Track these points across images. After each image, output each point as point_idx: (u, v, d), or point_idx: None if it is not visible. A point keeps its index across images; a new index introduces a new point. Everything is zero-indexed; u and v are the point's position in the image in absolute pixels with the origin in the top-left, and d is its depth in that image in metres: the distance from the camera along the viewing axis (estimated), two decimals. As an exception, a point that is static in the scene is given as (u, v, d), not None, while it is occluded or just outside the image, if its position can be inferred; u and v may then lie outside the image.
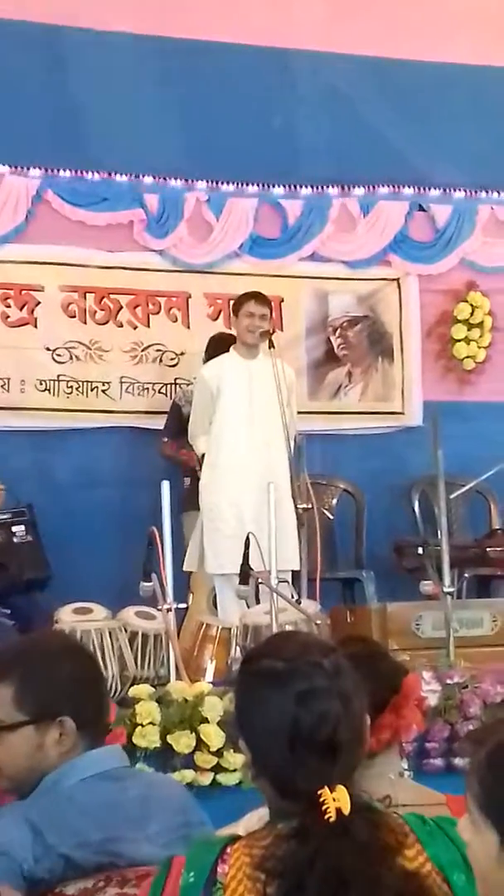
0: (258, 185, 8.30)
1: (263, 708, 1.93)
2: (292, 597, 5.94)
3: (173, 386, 7.98)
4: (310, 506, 6.35)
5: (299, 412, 7.19)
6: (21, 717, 2.42)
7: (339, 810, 1.81)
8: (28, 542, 6.82)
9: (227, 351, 7.02)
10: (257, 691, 1.96)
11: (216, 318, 8.08)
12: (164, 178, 8.09)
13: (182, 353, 8.05)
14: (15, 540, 6.79)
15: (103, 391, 7.92)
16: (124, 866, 2.32)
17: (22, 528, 6.83)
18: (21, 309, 7.81)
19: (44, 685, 2.44)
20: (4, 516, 6.82)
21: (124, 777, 2.49)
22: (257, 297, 6.87)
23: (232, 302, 7.16)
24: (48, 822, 2.30)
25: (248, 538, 5.70)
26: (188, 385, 7.56)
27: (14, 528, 6.81)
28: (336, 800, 1.81)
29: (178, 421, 7.36)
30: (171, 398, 7.85)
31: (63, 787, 2.41)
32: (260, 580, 5.71)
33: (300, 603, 5.87)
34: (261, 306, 6.81)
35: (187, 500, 7.11)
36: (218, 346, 7.27)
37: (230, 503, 6.65)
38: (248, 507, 6.48)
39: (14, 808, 2.42)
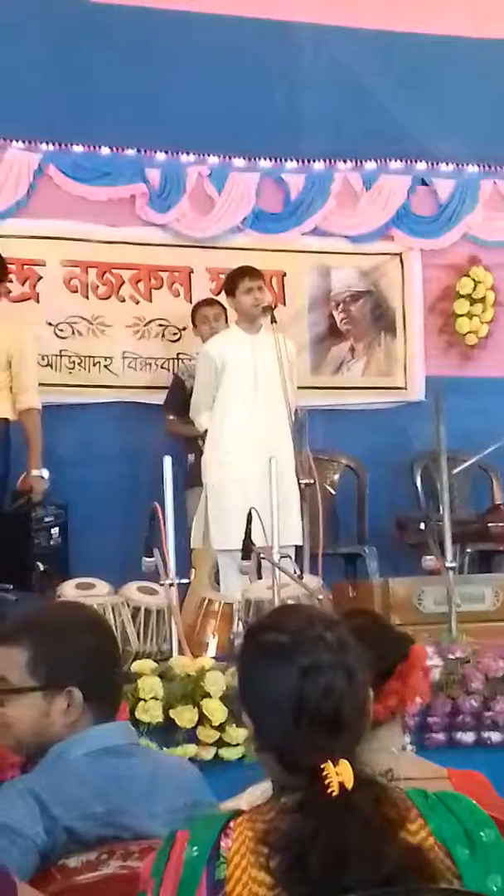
0: (260, 159, 8.28)
1: (267, 681, 1.93)
2: (294, 572, 5.94)
3: (176, 361, 7.98)
4: (312, 481, 6.34)
5: (302, 387, 7.19)
6: (31, 682, 2.44)
7: (341, 784, 1.81)
8: (59, 546, 6.49)
9: (211, 307, 7.22)
10: (261, 664, 1.96)
11: (218, 293, 8.04)
12: (166, 153, 8.07)
13: (184, 328, 8.04)
14: (52, 542, 6.44)
15: (105, 366, 7.92)
16: (129, 839, 2.32)
17: (57, 530, 6.49)
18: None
19: (58, 655, 2.44)
20: (48, 519, 6.44)
21: (132, 754, 2.49)
22: (249, 271, 6.86)
23: (224, 280, 7.15)
24: (52, 795, 2.30)
25: (249, 513, 5.70)
26: (190, 360, 7.55)
27: (52, 531, 6.45)
28: (339, 774, 1.81)
29: (181, 395, 7.35)
30: (173, 373, 7.84)
31: (68, 759, 2.42)
32: (262, 555, 5.72)
33: (302, 578, 5.87)
34: (256, 279, 6.81)
35: (191, 477, 7.11)
36: (199, 308, 7.55)
37: (233, 479, 6.65)
38: (251, 483, 6.47)
39: (17, 782, 2.42)
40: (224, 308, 7.33)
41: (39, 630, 2.49)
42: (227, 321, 7.09)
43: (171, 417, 7.48)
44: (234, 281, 6.86)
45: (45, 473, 6.59)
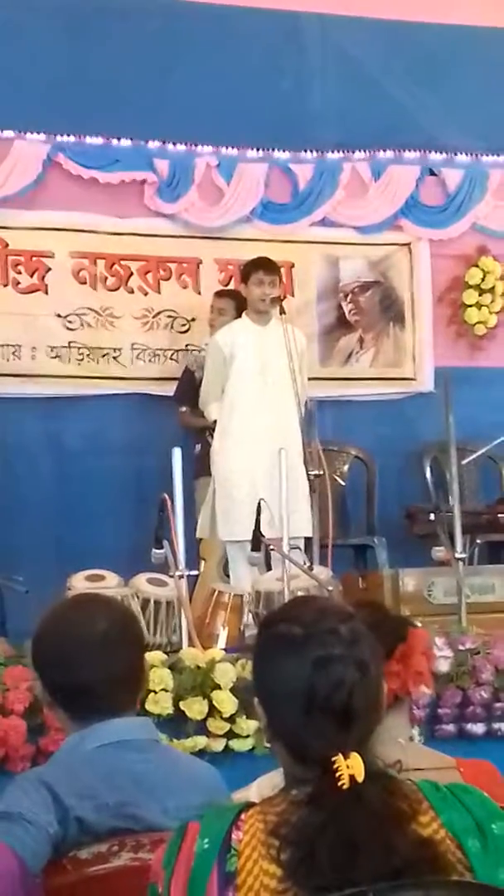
0: (268, 149, 8.26)
1: (280, 672, 1.94)
2: (304, 563, 5.94)
3: (184, 352, 7.97)
4: (321, 472, 6.35)
5: (311, 378, 7.19)
6: (49, 699, 2.53)
7: (352, 777, 1.81)
8: None
9: (231, 298, 7.21)
10: (274, 656, 1.96)
11: (227, 284, 8.05)
12: (175, 143, 8.06)
13: (193, 319, 8.04)
14: None
15: (114, 358, 7.92)
16: (141, 831, 2.33)
17: None
18: (32, 275, 7.80)
19: (63, 676, 2.48)
20: None
21: (149, 749, 2.48)
22: (266, 264, 6.86)
23: (241, 267, 7.17)
24: (65, 785, 2.31)
25: (259, 505, 5.70)
26: (200, 351, 7.55)
27: None
28: (350, 767, 1.81)
29: (192, 386, 7.35)
30: (182, 365, 7.84)
31: (81, 750, 2.43)
32: (272, 547, 5.72)
33: (312, 569, 5.87)
34: (270, 274, 6.81)
35: (199, 467, 7.11)
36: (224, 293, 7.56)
37: (242, 469, 6.64)
38: (260, 474, 6.47)
39: (30, 773, 2.44)
40: (234, 300, 7.33)
41: (40, 659, 2.54)
42: (239, 313, 7.08)
43: (184, 409, 7.47)
44: (248, 270, 6.88)
45: None
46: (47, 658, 2.53)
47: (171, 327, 8.07)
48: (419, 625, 3.27)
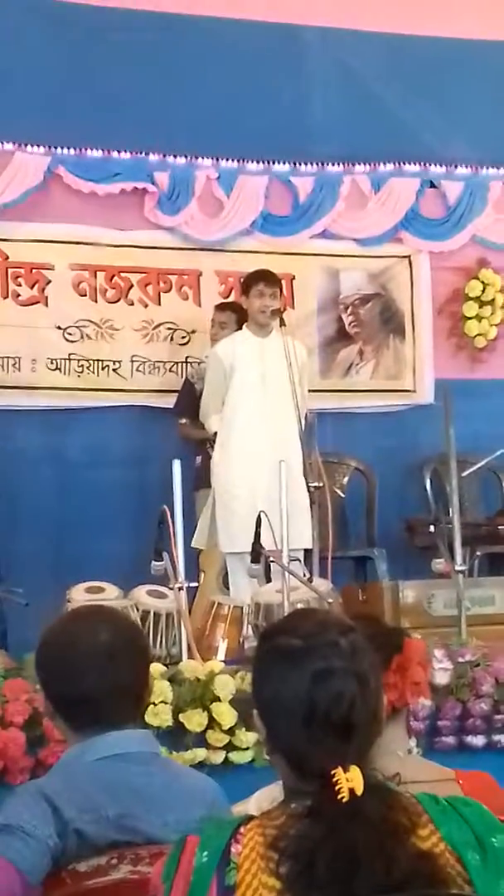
0: (269, 162, 8.27)
1: (279, 685, 1.93)
2: (304, 575, 5.94)
3: (184, 364, 7.97)
4: (321, 484, 6.34)
5: (311, 390, 7.19)
6: (53, 710, 2.55)
7: (351, 791, 1.81)
8: None
9: (232, 311, 7.22)
10: (273, 668, 1.96)
11: (228, 296, 8.05)
12: (175, 156, 8.07)
13: (193, 332, 8.04)
14: None
15: (114, 370, 7.92)
16: (141, 843, 2.32)
17: None
18: (32, 287, 7.81)
19: (64, 687, 2.49)
20: None
21: (150, 762, 2.48)
22: (267, 276, 6.87)
23: (242, 280, 7.18)
24: (65, 797, 2.31)
25: (259, 517, 5.70)
26: (200, 363, 7.55)
27: None
28: (349, 780, 1.81)
29: (192, 398, 7.35)
30: (182, 377, 7.84)
31: (82, 762, 2.43)
32: (271, 559, 5.71)
33: (312, 581, 5.87)
34: (270, 286, 6.82)
35: (199, 478, 7.11)
36: (224, 306, 7.56)
37: (242, 481, 6.64)
38: (260, 486, 6.47)
39: (30, 785, 2.43)
40: (235, 313, 7.33)
41: (42, 671, 2.56)
42: (240, 326, 7.09)
43: (184, 421, 7.47)
44: (249, 282, 6.90)
45: None
46: (49, 669, 2.53)
47: (172, 339, 8.07)
48: (414, 635, 3.26)
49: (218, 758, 4.99)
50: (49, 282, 7.84)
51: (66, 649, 2.49)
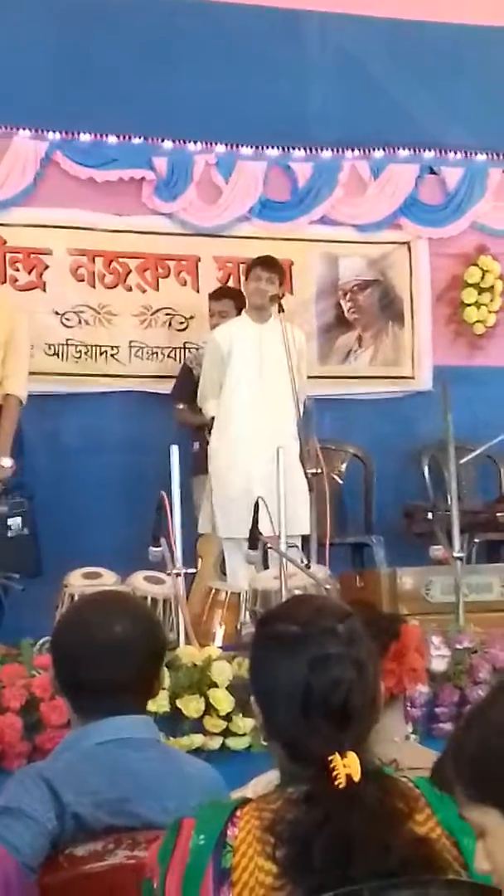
0: (267, 147, 8.24)
1: (276, 672, 1.93)
2: (302, 561, 5.93)
3: (183, 350, 7.96)
4: (319, 470, 6.34)
5: (309, 376, 7.18)
6: (60, 690, 2.56)
7: (349, 776, 1.81)
8: (23, 537, 6.42)
9: (229, 299, 7.23)
10: (271, 655, 1.96)
11: (226, 282, 8.04)
12: (173, 141, 8.04)
13: (191, 317, 8.03)
14: (9, 534, 6.37)
15: (112, 355, 7.91)
16: (140, 828, 2.33)
17: (18, 520, 6.43)
18: (29, 273, 7.79)
19: (71, 673, 2.49)
20: (1, 508, 6.41)
21: (149, 748, 2.48)
22: (266, 261, 6.88)
23: (242, 266, 7.18)
24: (64, 781, 2.31)
25: (256, 502, 5.69)
26: (198, 349, 7.54)
27: (10, 522, 6.40)
28: (346, 766, 1.81)
29: (190, 383, 7.33)
30: (180, 362, 7.83)
31: (83, 746, 2.43)
32: (269, 545, 5.71)
33: (309, 568, 5.87)
34: (267, 270, 6.81)
35: (197, 464, 7.10)
36: (220, 295, 7.53)
37: (240, 467, 6.64)
38: (257, 472, 6.46)
39: (30, 769, 2.44)
40: (233, 300, 7.32)
41: (54, 649, 2.57)
42: (239, 314, 7.07)
43: (181, 407, 7.46)
44: (249, 267, 6.91)
45: (7, 462, 6.53)
46: (60, 652, 2.54)
47: (170, 325, 8.06)
48: (412, 622, 3.26)
49: (215, 744, 4.99)
50: (47, 267, 7.82)
51: (81, 636, 2.50)
